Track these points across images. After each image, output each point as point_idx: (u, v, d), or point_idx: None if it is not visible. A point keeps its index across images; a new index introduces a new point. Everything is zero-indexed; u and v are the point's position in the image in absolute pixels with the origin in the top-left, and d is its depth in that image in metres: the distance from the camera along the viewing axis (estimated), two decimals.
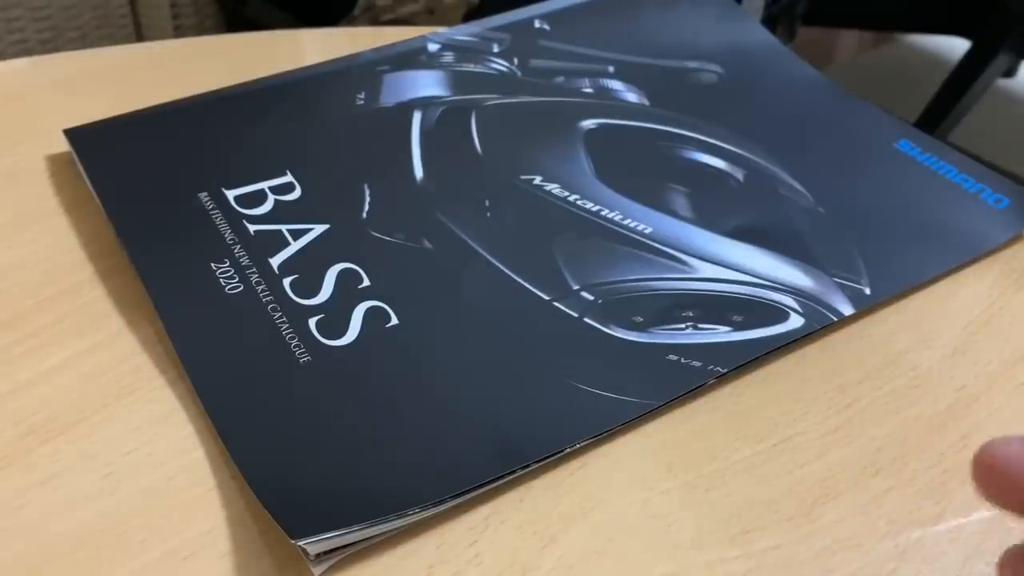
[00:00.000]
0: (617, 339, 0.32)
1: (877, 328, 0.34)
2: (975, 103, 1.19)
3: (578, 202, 0.37)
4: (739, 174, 0.40)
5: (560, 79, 0.44)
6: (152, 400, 0.30)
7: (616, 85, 0.44)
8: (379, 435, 0.28)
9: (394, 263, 0.34)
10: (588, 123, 0.41)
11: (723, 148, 0.41)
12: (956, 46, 1.24)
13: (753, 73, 0.46)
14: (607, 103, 0.43)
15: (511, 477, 0.28)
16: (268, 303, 0.32)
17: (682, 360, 0.32)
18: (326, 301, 0.32)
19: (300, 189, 0.37)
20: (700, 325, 0.33)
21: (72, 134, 0.39)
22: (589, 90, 0.43)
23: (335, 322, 0.32)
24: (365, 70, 0.43)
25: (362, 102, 0.41)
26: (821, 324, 0.33)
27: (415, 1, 1.00)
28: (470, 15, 1.01)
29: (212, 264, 0.33)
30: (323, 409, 0.29)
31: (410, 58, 0.44)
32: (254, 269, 0.33)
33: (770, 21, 1.05)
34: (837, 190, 0.39)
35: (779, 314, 0.34)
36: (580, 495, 0.28)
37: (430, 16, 1.02)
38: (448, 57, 0.44)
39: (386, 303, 0.32)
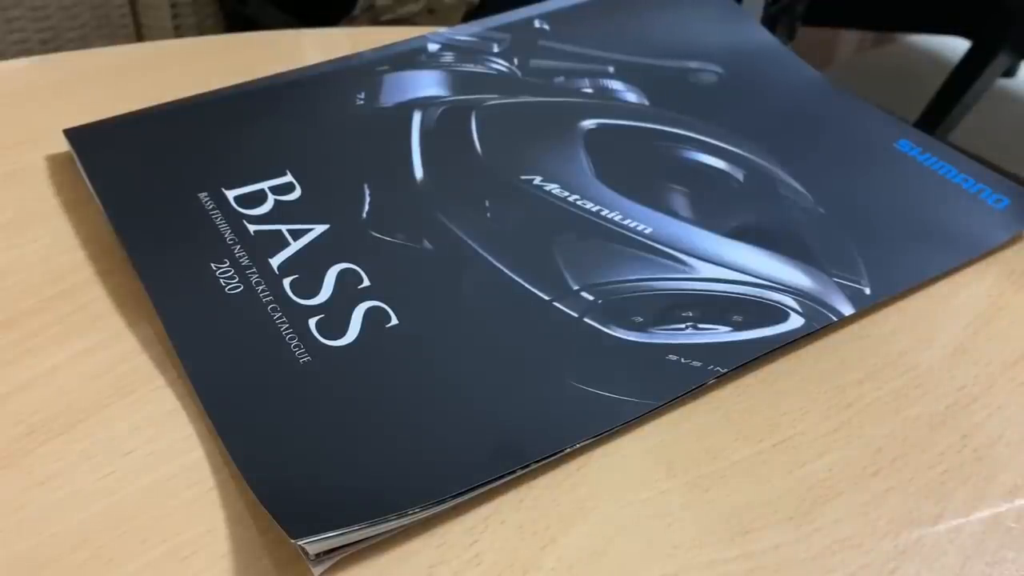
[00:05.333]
0: (617, 339, 0.32)
1: (877, 328, 0.34)
2: (975, 103, 1.19)
3: (578, 202, 0.37)
4: (739, 174, 0.40)
5: (560, 79, 0.44)
6: (152, 400, 0.30)
7: (616, 85, 0.44)
8: (379, 435, 0.28)
9: (394, 263, 0.34)
10: (588, 123, 0.41)
11: (723, 148, 0.41)
12: (956, 46, 1.24)
13: (753, 73, 0.46)
14: (607, 103, 0.43)
15: (511, 477, 0.28)
16: (268, 303, 0.32)
17: (682, 360, 0.32)
18: (326, 301, 0.32)
19: (300, 189, 0.37)
20: (700, 325, 0.33)
21: (72, 134, 0.39)
22: (589, 90, 0.43)
23: (335, 322, 0.32)
24: (365, 70, 0.43)
25: (362, 102, 0.41)
26: (821, 324, 0.33)
27: (415, 1, 1.00)
28: (470, 15, 1.01)
29: (212, 264, 0.33)
30: (323, 409, 0.29)
31: (410, 58, 0.44)
32: (254, 269, 0.33)
33: (770, 21, 1.05)
34: (837, 190, 0.39)
35: (779, 314, 0.34)
36: (580, 495, 0.28)
37: (430, 16, 1.02)
38: (448, 57, 0.44)
39: (386, 303, 0.32)
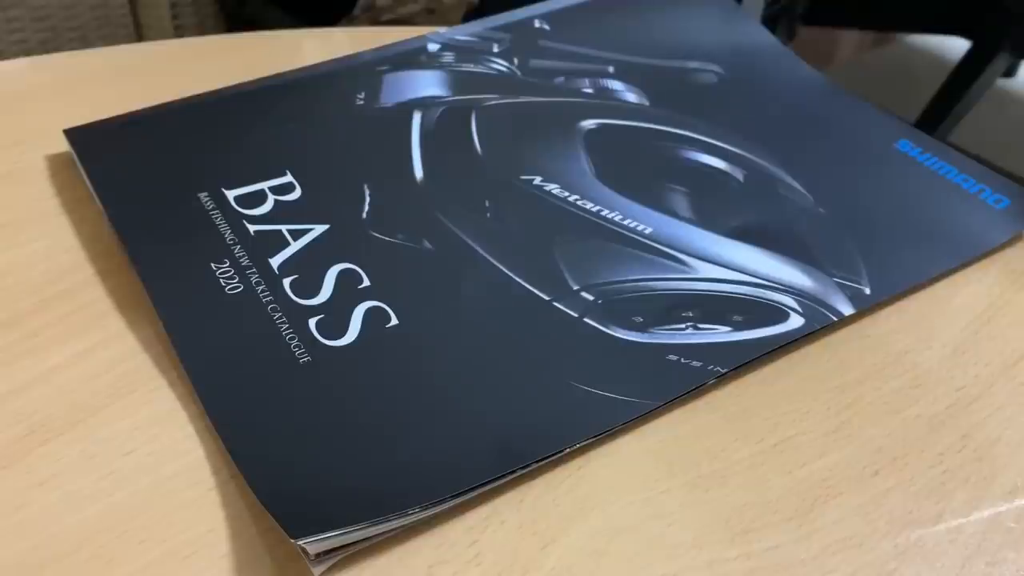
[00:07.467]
0: (617, 339, 0.32)
1: (877, 328, 0.34)
2: (975, 103, 1.19)
3: (578, 202, 0.37)
4: (739, 174, 0.40)
5: (560, 79, 0.44)
6: (152, 400, 0.30)
7: (616, 85, 0.44)
8: (379, 435, 0.28)
9: (394, 263, 0.34)
10: (588, 123, 0.41)
11: (723, 148, 0.41)
12: (956, 46, 1.24)
13: (753, 73, 0.46)
14: (607, 103, 0.43)
15: (511, 477, 0.28)
16: (268, 303, 0.32)
17: (682, 360, 0.32)
18: (326, 301, 0.32)
19: (300, 189, 0.37)
20: (700, 325, 0.33)
21: (72, 134, 0.39)
22: (589, 90, 0.43)
23: (335, 322, 0.32)
24: (365, 70, 0.43)
25: (362, 102, 0.41)
26: (821, 324, 0.33)
27: (415, 1, 1.00)
28: (470, 15, 1.01)
29: (212, 264, 0.33)
30: (323, 409, 0.29)
31: (410, 58, 0.44)
32: (254, 269, 0.33)
33: (770, 21, 1.05)
34: (837, 190, 0.39)
35: (779, 314, 0.34)
36: (580, 495, 0.28)
37: (430, 16, 1.02)
38: (448, 57, 0.44)
39: (386, 303, 0.32)
